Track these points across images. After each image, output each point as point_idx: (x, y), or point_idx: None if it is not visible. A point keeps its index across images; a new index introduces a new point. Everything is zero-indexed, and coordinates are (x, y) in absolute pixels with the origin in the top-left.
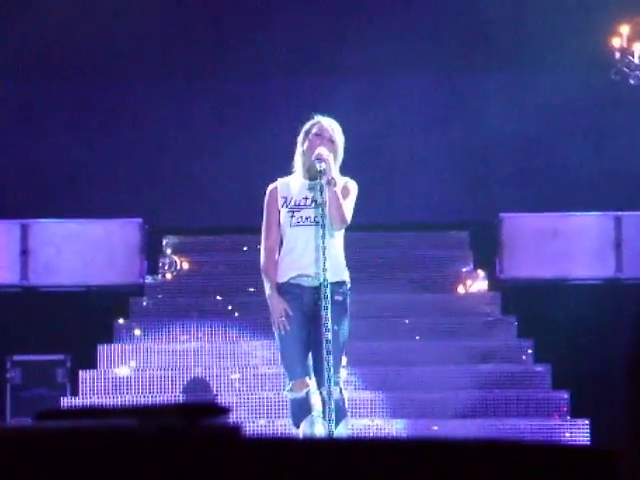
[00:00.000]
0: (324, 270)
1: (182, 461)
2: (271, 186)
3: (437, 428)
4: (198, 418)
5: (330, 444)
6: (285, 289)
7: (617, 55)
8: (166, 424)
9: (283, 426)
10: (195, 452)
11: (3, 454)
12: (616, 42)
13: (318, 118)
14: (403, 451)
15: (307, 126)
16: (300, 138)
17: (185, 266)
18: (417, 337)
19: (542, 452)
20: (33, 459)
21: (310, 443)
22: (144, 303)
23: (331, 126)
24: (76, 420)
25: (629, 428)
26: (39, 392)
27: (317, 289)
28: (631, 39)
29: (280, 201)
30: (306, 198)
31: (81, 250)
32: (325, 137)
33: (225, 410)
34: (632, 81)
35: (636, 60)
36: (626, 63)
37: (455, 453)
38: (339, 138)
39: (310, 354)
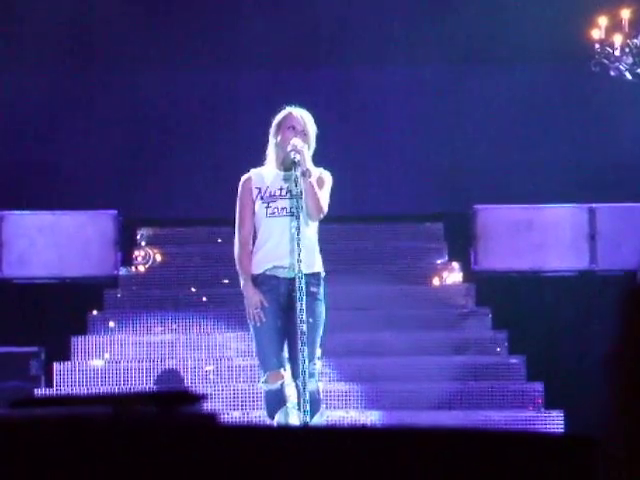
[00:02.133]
0: (299, 261)
1: (157, 448)
2: (244, 177)
3: (412, 420)
4: (173, 406)
5: (305, 432)
6: (261, 280)
7: (596, 47)
8: (141, 412)
9: (258, 417)
10: (170, 439)
11: None
12: (595, 34)
13: (289, 109)
14: (379, 439)
15: (279, 118)
16: (272, 130)
17: (159, 258)
18: (391, 329)
19: (519, 440)
20: (5, 448)
21: (285, 431)
22: (118, 295)
23: (303, 116)
24: (49, 408)
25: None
26: (13, 384)
27: (292, 280)
28: (610, 31)
29: (254, 192)
30: (281, 189)
31: (55, 242)
32: (297, 128)
33: (200, 397)
34: (612, 73)
35: (616, 52)
36: (605, 55)
37: (431, 442)
38: (311, 128)
39: (285, 346)
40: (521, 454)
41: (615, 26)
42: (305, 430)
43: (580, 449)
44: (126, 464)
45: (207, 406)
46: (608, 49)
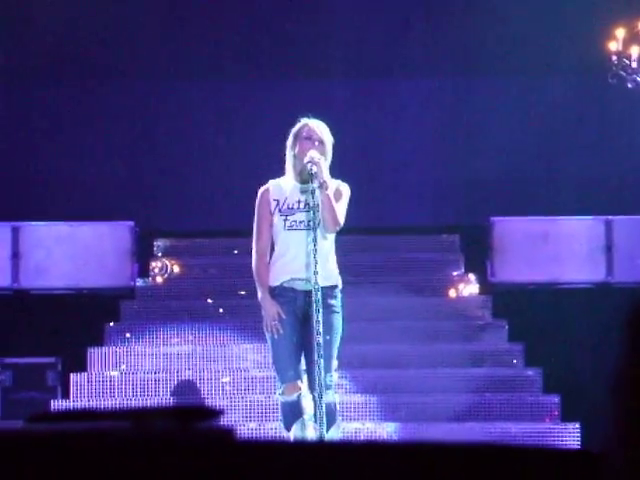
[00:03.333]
0: (315, 274)
1: (176, 464)
2: (262, 188)
3: (428, 432)
4: (191, 421)
5: (322, 447)
6: (278, 292)
7: (614, 59)
8: (159, 427)
9: (274, 429)
10: (189, 455)
11: None
12: (612, 46)
13: (305, 121)
14: (396, 454)
15: (295, 129)
16: (289, 142)
17: (176, 269)
18: (408, 341)
19: (532, 455)
20: (24, 463)
21: (303, 446)
22: (135, 306)
23: (319, 128)
24: (68, 423)
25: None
26: (30, 395)
27: (309, 293)
28: (627, 43)
29: (272, 204)
30: (299, 201)
31: (72, 253)
32: (314, 139)
33: (218, 413)
34: (630, 85)
35: (633, 64)
36: (623, 67)
37: (448, 456)
38: (328, 139)
39: (302, 358)
40: (531, 470)
41: (632, 38)
42: (320, 445)
43: (591, 465)
44: (144, 478)
45: (224, 418)
46: (625, 61)
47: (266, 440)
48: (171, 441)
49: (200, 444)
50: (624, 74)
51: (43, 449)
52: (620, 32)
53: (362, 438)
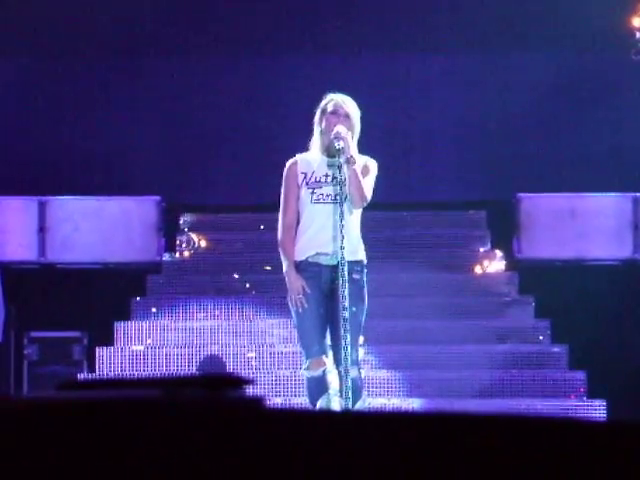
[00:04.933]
0: (342, 248)
1: (206, 431)
2: (290, 161)
3: (453, 408)
4: (220, 389)
5: (351, 417)
6: (303, 267)
7: (637, 35)
8: (189, 395)
9: (299, 404)
10: (218, 423)
11: (27, 424)
12: (637, 22)
13: (332, 96)
14: (422, 425)
15: (322, 105)
16: (316, 117)
17: (202, 244)
18: (433, 316)
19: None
20: (55, 430)
21: (331, 416)
22: (161, 281)
23: (345, 102)
24: (97, 391)
25: None
26: (56, 369)
27: (335, 267)
28: None
29: (300, 177)
30: (326, 175)
31: (99, 227)
32: (341, 114)
33: (246, 381)
34: None
35: None
36: None
37: (475, 428)
38: (355, 113)
39: (327, 333)
40: (571, 441)
41: None
42: (349, 416)
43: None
44: (175, 446)
45: (250, 392)
46: None
47: (295, 408)
48: (201, 409)
49: (229, 412)
50: None
51: (74, 416)
52: None
53: None
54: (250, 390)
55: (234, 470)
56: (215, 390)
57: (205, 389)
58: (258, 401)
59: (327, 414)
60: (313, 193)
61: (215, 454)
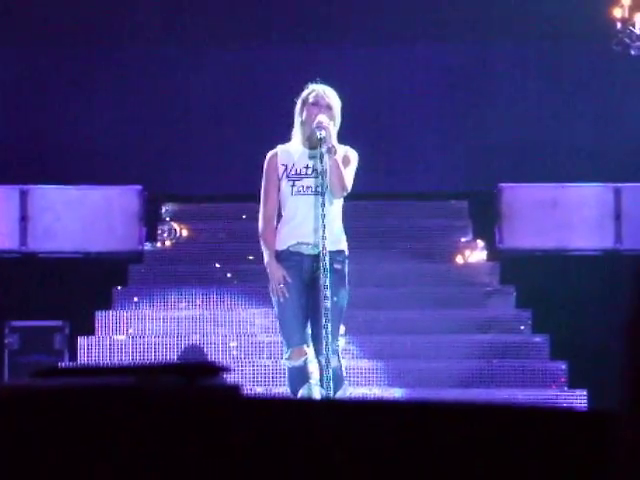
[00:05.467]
0: (323, 238)
1: (181, 419)
2: (271, 153)
3: (434, 397)
4: (196, 377)
5: (329, 405)
6: (284, 256)
7: (618, 26)
8: (164, 383)
9: (281, 394)
10: (194, 410)
11: (5, 411)
12: (617, 12)
13: (313, 86)
14: (401, 412)
15: (303, 95)
16: (297, 108)
17: (184, 233)
18: (415, 306)
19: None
20: (30, 418)
21: (309, 403)
22: (143, 270)
23: (327, 93)
24: (73, 378)
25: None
26: (37, 358)
27: (316, 257)
28: (632, 9)
29: (280, 169)
30: (307, 167)
31: (80, 216)
32: (322, 105)
33: (222, 369)
34: (633, 52)
35: (637, 31)
36: (627, 34)
37: (456, 416)
38: (336, 104)
39: (308, 322)
40: (547, 429)
41: (637, 5)
42: (327, 403)
43: (603, 424)
44: (148, 434)
45: (230, 381)
46: (630, 28)
47: (272, 396)
48: (175, 397)
49: (204, 400)
50: (628, 41)
51: (48, 404)
52: None
53: None
54: (231, 379)
55: (208, 457)
56: (190, 378)
57: (180, 377)
58: (234, 389)
59: (304, 402)
60: (294, 185)
61: (189, 442)
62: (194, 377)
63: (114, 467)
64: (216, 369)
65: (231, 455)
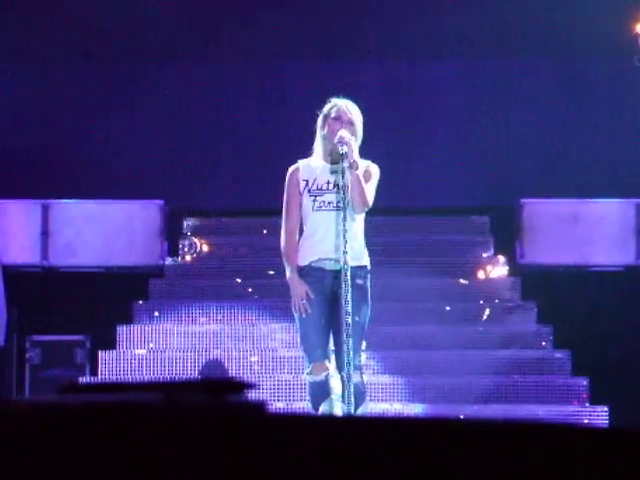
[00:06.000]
0: (345, 253)
1: (208, 436)
2: (292, 168)
3: (455, 413)
4: (223, 394)
5: (354, 422)
6: (306, 272)
7: None
8: (190, 399)
9: (302, 409)
10: (221, 427)
11: (28, 427)
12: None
13: (335, 101)
14: (424, 429)
15: (325, 110)
16: (319, 123)
17: (205, 248)
18: (436, 322)
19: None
20: (54, 434)
21: (334, 420)
22: (164, 285)
23: (348, 108)
24: (98, 395)
25: None
26: (58, 372)
27: (338, 273)
28: None
29: (302, 184)
30: (328, 182)
31: (101, 231)
32: (344, 120)
33: (248, 386)
34: None
35: None
36: None
37: (478, 433)
38: (358, 119)
39: (330, 337)
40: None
41: None
42: (352, 420)
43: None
44: (176, 451)
45: (252, 396)
46: None
47: (298, 413)
48: (203, 414)
49: (232, 417)
50: None
51: (73, 420)
52: None
53: None
54: (252, 395)
55: (236, 475)
56: (217, 395)
57: (207, 393)
58: (260, 406)
59: (330, 419)
60: (315, 201)
61: (217, 459)
62: (220, 394)
63: None
64: (242, 386)
65: (258, 472)
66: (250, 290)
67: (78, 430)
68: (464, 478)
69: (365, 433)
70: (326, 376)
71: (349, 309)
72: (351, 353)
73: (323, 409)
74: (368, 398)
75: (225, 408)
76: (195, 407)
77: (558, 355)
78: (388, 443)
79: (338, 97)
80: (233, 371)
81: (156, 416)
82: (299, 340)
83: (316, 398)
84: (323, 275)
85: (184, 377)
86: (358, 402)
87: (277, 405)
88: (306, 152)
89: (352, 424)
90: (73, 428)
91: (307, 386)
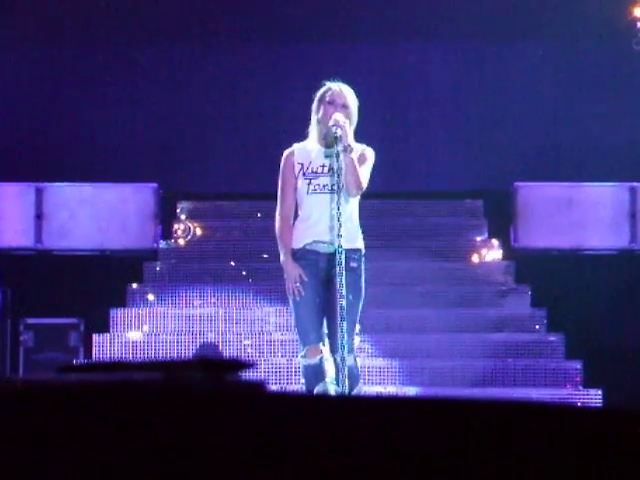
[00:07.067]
0: (339, 237)
1: (207, 415)
2: (287, 151)
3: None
4: (222, 373)
5: (352, 401)
6: (300, 255)
7: (639, 24)
8: (190, 378)
9: (299, 391)
10: (220, 406)
11: (27, 405)
12: (638, 12)
13: (329, 84)
14: (421, 408)
15: (319, 94)
16: (314, 106)
17: (199, 231)
18: (430, 305)
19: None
20: (54, 413)
21: (333, 400)
22: (157, 268)
23: (343, 91)
24: (97, 374)
25: None
26: (52, 355)
27: (332, 255)
28: None
29: (297, 167)
30: (323, 166)
31: (95, 214)
32: (338, 103)
33: (247, 365)
34: None
35: None
36: None
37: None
38: (352, 103)
39: (324, 321)
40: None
41: None
42: (350, 400)
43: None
44: (176, 430)
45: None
46: None
47: (297, 392)
48: (202, 392)
49: (231, 396)
50: None
51: (73, 399)
52: None
53: None
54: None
55: (236, 452)
56: (215, 373)
57: (205, 372)
58: (260, 385)
59: (328, 398)
60: (310, 184)
61: (217, 437)
62: (219, 373)
63: (140, 464)
64: (240, 365)
65: (258, 450)
66: (244, 273)
67: (76, 409)
68: (456, 457)
69: (362, 412)
70: (320, 359)
71: (343, 292)
72: (345, 336)
73: (317, 392)
74: (362, 381)
75: (224, 387)
76: (193, 386)
77: (552, 338)
78: (383, 422)
79: (333, 80)
80: (227, 354)
81: (154, 395)
82: (293, 323)
83: (310, 381)
84: (317, 258)
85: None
86: (352, 385)
87: (272, 388)
88: (301, 136)
89: (349, 403)
90: (71, 407)
91: (301, 369)
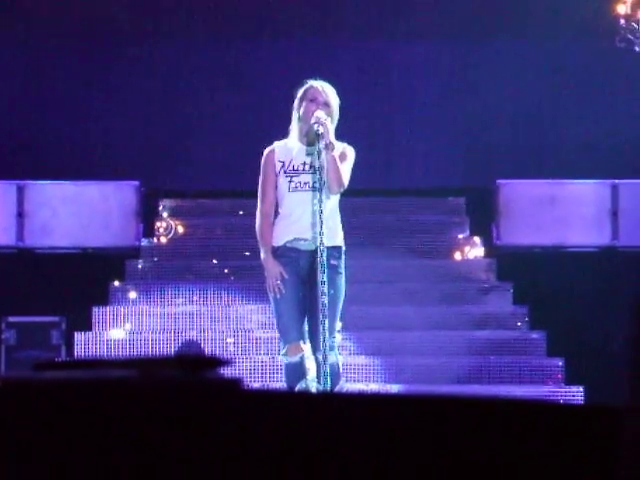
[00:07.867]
0: (320, 234)
1: (183, 412)
2: (268, 149)
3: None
4: (198, 370)
5: (328, 398)
6: (281, 252)
7: (622, 22)
8: (166, 375)
9: (279, 388)
10: (196, 403)
11: (2, 404)
12: (621, 9)
13: (311, 82)
14: (398, 405)
15: (301, 92)
16: (295, 104)
17: (181, 229)
18: (412, 303)
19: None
20: (31, 410)
21: (309, 396)
22: (140, 266)
23: (324, 89)
24: (74, 371)
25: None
26: (34, 353)
27: (313, 253)
28: (636, 6)
29: (277, 165)
30: (304, 163)
31: (77, 212)
32: (320, 101)
33: (224, 362)
34: (637, 48)
35: None
36: (631, 30)
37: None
38: (334, 101)
39: (305, 318)
40: (545, 424)
41: None
42: (326, 396)
43: (603, 419)
44: (152, 427)
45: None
46: (634, 25)
47: (273, 389)
48: (178, 390)
49: (206, 393)
50: (632, 38)
51: (50, 397)
52: None
53: None
54: (228, 375)
55: (211, 450)
56: (191, 371)
57: (182, 370)
58: (235, 382)
59: (304, 395)
60: (291, 181)
61: (192, 434)
62: (195, 370)
63: (115, 461)
64: (217, 362)
65: (232, 448)
66: (226, 271)
67: (53, 406)
68: (438, 453)
69: (341, 409)
70: (301, 357)
71: (324, 289)
72: (326, 334)
73: (299, 390)
74: (344, 379)
75: (200, 384)
76: (170, 383)
77: (534, 336)
78: (364, 419)
79: (314, 78)
80: (209, 352)
81: (131, 392)
82: (274, 321)
83: (292, 379)
84: (298, 256)
85: (161, 355)
86: (334, 383)
87: (253, 386)
88: (282, 133)
89: (329, 400)
90: (49, 404)
91: (283, 367)
